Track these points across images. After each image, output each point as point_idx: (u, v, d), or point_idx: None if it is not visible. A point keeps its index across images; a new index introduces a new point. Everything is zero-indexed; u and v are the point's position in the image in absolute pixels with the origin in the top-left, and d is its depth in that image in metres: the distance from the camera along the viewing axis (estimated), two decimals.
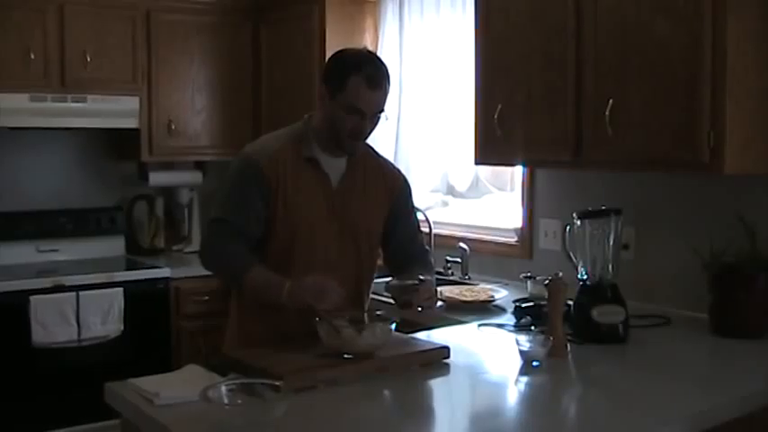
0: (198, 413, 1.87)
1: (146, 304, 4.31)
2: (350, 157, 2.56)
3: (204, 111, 4.92)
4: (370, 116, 2.46)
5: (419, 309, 2.43)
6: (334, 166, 2.55)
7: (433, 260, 2.75)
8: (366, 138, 2.53)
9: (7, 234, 4.51)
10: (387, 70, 2.49)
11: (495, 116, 3.31)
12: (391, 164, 2.78)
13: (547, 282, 2.56)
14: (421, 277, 2.46)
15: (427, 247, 2.80)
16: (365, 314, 2.43)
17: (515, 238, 3.91)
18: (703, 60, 2.61)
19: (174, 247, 5.06)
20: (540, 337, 2.46)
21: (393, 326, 2.35)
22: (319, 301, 2.30)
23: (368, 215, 2.61)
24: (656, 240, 3.23)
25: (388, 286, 2.48)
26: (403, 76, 4.44)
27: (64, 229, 4.67)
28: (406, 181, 2.74)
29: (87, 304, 4.09)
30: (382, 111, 2.49)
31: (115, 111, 4.53)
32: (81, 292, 4.09)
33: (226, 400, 1.87)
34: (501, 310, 3.29)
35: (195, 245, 5.00)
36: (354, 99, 2.42)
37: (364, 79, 2.41)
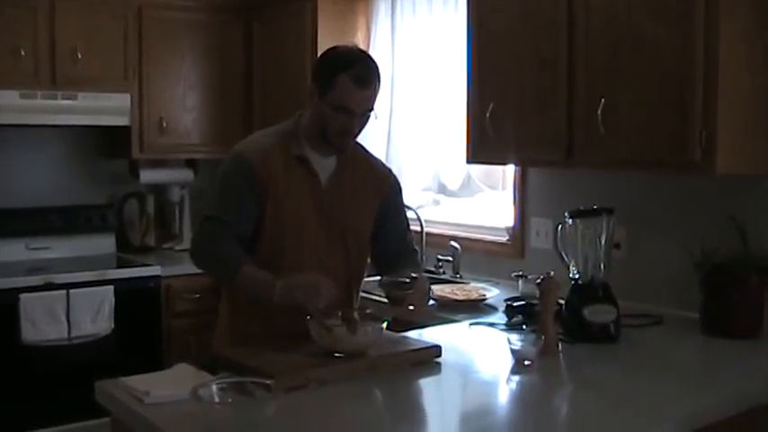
0: (188, 412, 1.87)
1: (136, 302, 4.30)
2: (339, 153, 2.55)
3: (196, 108, 4.91)
4: (359, 115, 2.45)
5: (410, 307, 2.43)
6: (324, 165, 2.55)
7: (421, 260, 2.74)
8: (355, 137, 2.52)
9: None
10: (377, 68, 2.48)
11: (488, 115, 3.31)
12: (381, 162, 2.78)
13: (538, 281, 2.56)
14: (414, 275, 2.45)
15: (416, 248, 2.79)
16: (356, 313, 2.43)
17: (507, 237, 3.92)
18: (695, 61, 2.61)
19: (165, 245, 5.04)
20: (532, 337, 2.46)
21: (384, 325, 2.34)
22: (310, 300, 2.28)
23: (357, 214, 2.60)
24: (647, 240, 3.24)
25: (380, 282, 2.48)
26: (395, 74, 4.44)
27: (54, 226, 4.65)
28: (396, 179, 2.74)
29: (78, 302, 4.08)
30: (371, 109, 2.48)
31: (106, 108, 4.51)
32: (71, 290, 4.07)
33: (216, 399, 1.86)
34: (492, 308, 3.29)
35: (186, 243, 4.98)
36: (343, 98, 2.41)
37: (353, 78, 2.40)
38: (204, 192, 4.93)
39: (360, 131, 2.51)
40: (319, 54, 2.59)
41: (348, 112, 2.42)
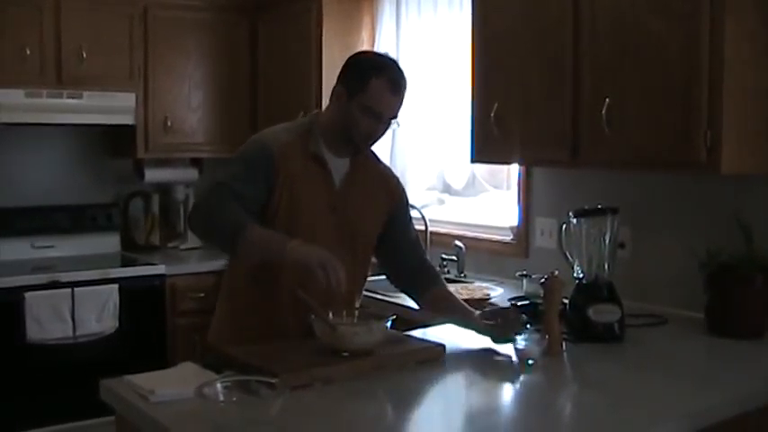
0: (193, 410, 1.87)
1: (141, 301, 4.31)
2: (356, 155, 2.56)
3: (200, 108, 4.92)
4: (385, 120, 2.46)
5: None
6: (338, 166, 2.55)
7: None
8: (376, 141, 2.53)
9: (2, 230, 4.51)
10: (406, 77, 2.50)
11: (492, 114, 3.31)
12: (391, 170, 2.79)
13: (543, 280, 2.56)
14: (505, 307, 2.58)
15: (428, 258, 2.83)
16: (357, 311, 2.43)
17: (511, 237, 3.91)
18: (700, 60, 2.61)
19: (170, 244, 5.05)
20: (536, 336, 2.46)
21: (389, 323, 2.35)
22: (328, 274, 2.25)
23: (367, 217, 2.61)
24: (652, 239, 3.23)
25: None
26: None
27: (59, 225, 4.67)
28: (404, 190, 2.76)
29: (82, 301, 4.09)
30: (396, 116, 2.50)
31: (111, 107, 4.52)
32: (76, 289, 4.08)
33: (221, 398, 1.86)
34: None
35: (191, 242, 5.00)
36: (374, 102, 2.42)
37: (387, 83, 2.42)
38: None
39: (381, 136, 2.52)
40: (324, 54, 2.61)
41: (376, 116, 2.43)
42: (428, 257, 2.82)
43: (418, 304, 2.76)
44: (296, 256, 2.28)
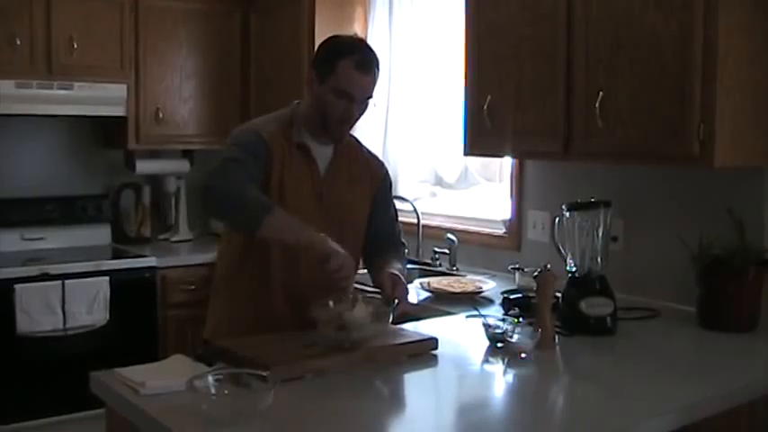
0: (184, 403, 1.86)
1: (132, 293, 4.29)
2: (336, 144, 2.57)
3: (192, 99, 4.90)
4: (359, 101, 2.47)
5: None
6: (322, 153, 2.56)
7: (406, 252, 2.80)
8: (354, 124, 2.53)
9: None
10: (376, 56, 2.51)
11: (485, 107, 3.30)
12: (375, 155, 2.80)
13: (535, 273, 2.56)
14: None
15: (403, 240, 2.82)
16: (351, 300, 2.42)
17: (504, 230, 3.91)
18: (694, 53, 2.60)
19: (161, 236, 5.04)
20: (529, 329, 2.45)
21: (392, 312, 2.36)
22: (341, 274, 2.28)
23: (353, 204, 2.62)
24: (645, 233, 3.23)
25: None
26: (392, 65, 4.43)
27: (50, 217, 4.64)
28: (387, 173, 2.77)
29: (73, 293, 4.07)
30: (371, 97, 2.50)
31: (102, 98, 4.49)
32: (67, 281, 4.06)
33: (212, 390, 1.86)
34: (489, 301, 3.28)
35: (182, 234, 4.99)
36: (344, 83, 2.43)
37: (354, 63, 2.43)
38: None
39: (358, 119, 2.53)
40: (317, 45, 2.60)
41: (349, 97, 2.44)
42: (404, 242, 2.83)
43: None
44: (318, 245, 2.29)
